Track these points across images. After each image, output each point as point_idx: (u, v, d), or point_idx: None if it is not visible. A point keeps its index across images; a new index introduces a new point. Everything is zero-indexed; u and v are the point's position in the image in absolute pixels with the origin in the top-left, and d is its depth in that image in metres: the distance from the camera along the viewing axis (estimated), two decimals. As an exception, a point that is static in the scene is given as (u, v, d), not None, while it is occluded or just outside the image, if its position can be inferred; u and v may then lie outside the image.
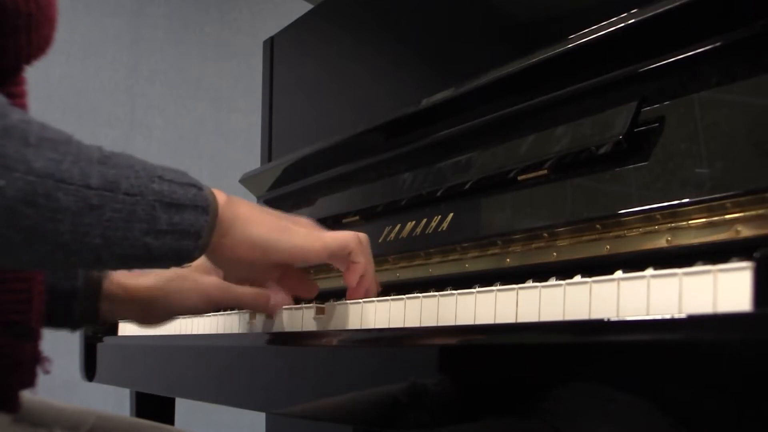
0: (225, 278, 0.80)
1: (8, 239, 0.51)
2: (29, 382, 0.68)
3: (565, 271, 0.61)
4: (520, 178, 0.79)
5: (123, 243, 0.56)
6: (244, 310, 0.84)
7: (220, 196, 0.63)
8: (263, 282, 0.78)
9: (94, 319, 0.83)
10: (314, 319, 0.72)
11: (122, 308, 0.84)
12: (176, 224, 0.58)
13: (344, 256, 0.69)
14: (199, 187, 0.61)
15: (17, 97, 0.61)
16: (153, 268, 0.62)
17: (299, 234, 0.67)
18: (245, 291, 0.77)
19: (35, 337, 0.68)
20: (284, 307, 0.76)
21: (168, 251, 0.58)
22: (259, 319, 0.81)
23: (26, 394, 0.69)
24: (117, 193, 0.55)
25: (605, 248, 0.65)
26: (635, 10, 0.73)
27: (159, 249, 0.58)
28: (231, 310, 0.88)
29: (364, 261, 0.69)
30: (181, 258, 0.60)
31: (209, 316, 0.92)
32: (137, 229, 0.56)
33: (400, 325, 0.64)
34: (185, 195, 0.59)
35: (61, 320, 0.81)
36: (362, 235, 0.70)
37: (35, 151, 0.51)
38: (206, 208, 0.60)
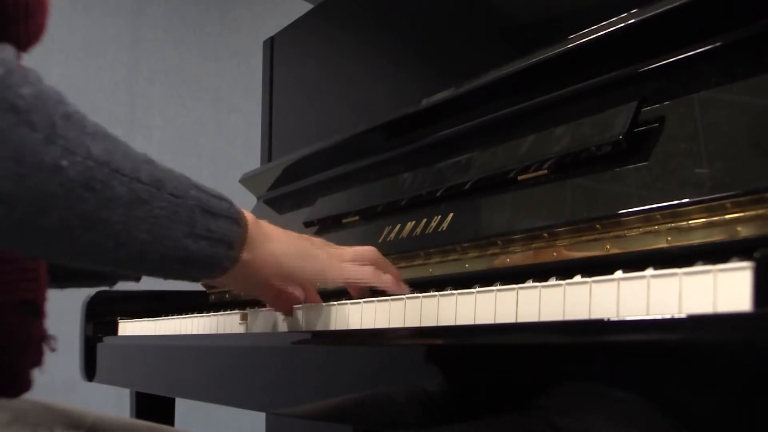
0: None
1: (66, 223, 0.52)
2: (38, 360, 0.70)
3: (565, 271, 0.61)
4: (520, 178, 0.79)
5: (166, 241, 0.57)
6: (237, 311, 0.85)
7: (248, 215, 0.65)
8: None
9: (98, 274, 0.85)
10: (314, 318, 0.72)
11: None
12: (212, 231, 0.59)
13: (359, 286, 0.72)
14: (230, 202, 0.63)
15: None
16: (185, 279, 0.62)
17: (322, 260, 0.69)
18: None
19: (42, 315, 0.70)
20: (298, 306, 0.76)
21: (203, 257, 0.59)
22: (251, 319, 0.83)
23: (26, 395, 0.70)
24: (163, 191, 0.57)
25: (605, 248, 0.65)
26: (635, 10, 0.73)
27: (196, 253, 0.59)
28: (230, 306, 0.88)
29: (387, 287, 0.71)
30: (213, 266, 0.61)
31: (209, 315, 0.92)
32: (179, 230, 0.57)
33: (400, 325, 0.64)
34: (220, 205, 0.61)
35: (96, 277, 0.82)
36: (378, 261, 0.73)
37: (93, 139, 0.53)
38: (239, 220, 0.62)
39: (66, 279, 0.93)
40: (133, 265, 0.58)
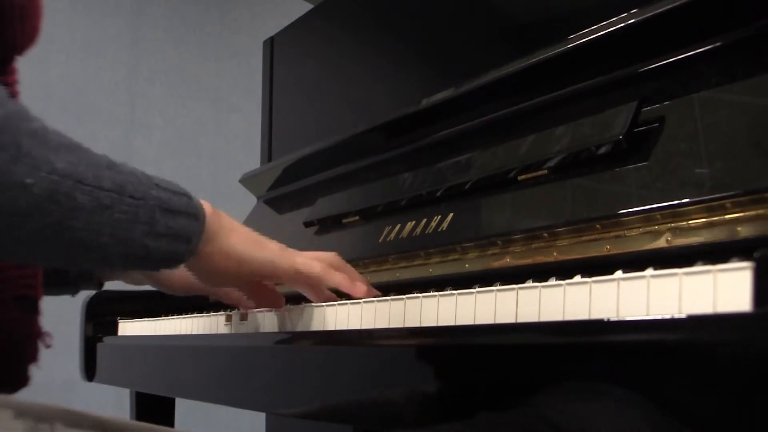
0: (199, 287, 0.86)
1: (35, 233, 0.55)
2: (34, 356, 0.72)
3: (565, 271, 0.61)
4: (520, 178, 0.79)
5: (127, 242, 0.60)
6: (233, 311, 0.87)
7: (207, 208, 0.68)
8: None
9: (89, 280, 0.87)
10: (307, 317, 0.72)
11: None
12: (171, 228, 0.63)
13: (310, 283, 0.74)
14: (189, 197, 0.66)
15: (9, 86, 0.65)
16: (147, 270, 0.67)
17: (273, 250, 0.72)
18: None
19: (38, 311, 0.72)
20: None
21: (163, 253, 0.63)
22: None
23: (26, 396, 0.70)
24: (124, 195, 0.60)
25: (605, 248, 0.65)
26: (635, 10, 0.73)
27: (156, 250, 0.62)
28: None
29: (337, 283, 0.73)
30: (172, 260, 0.65)
31: (209, 315, 0.92)
32: (139, 231, 0.60)
33: (400, 325, 0.64)
34: (179, 202, 0.64)
35: (59, 285, 0.84)
36: (335, 262, 0.75)
37: (56, 153, 0.56)
38: (197, 215, 0.66)
39: None
40: (97, 265, 0.62)
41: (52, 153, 0.55)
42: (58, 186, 0.55)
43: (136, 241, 0.60)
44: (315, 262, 0.73)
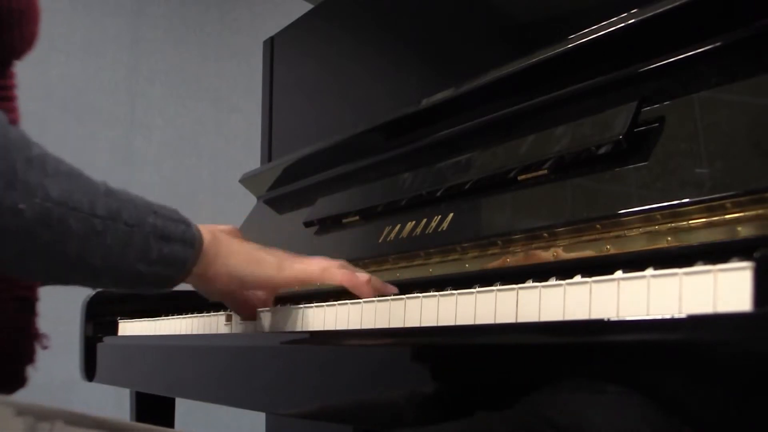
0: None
1: (24, 254, 0.58)
2: (31, 357, 0.73)
3: (565, 271, 0.61)
4: (520, 178, 0.79)
5: (119, 267, 0.63)
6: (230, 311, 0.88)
7: (206, 234, 0.70)
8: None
9: None
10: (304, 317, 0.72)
11: None
12: (165, 255, 0.65)
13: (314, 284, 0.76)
14: (187, 224, 0.68)
15: (8, 90, 0.66)
16: (139, 291, 0.69)
17: (271, 265, 0.74)
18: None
19: (35, 313, 0.73)
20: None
21: (155, 278, 0.65)
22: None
23: (26, 397, 0.70)
24: (118, 222, 0.62)
25: (605, 248, 0.65)
26: (635, 10, 0.73)
27: (148, 275, 0.65)
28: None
29: (340, 280, 0.74)
30: (164, 283, 0.67)
31: (209, 315, 0.92)
32: (132, 256, 0.63)
33: (400, 325, 0.64)
34: (176, 230, 0.66)
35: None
36: (332, 263, 0.76)
37: (52, 180, 0.58)
38: (192, 243, 0.68)
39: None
40: (88, 284, 0.65)
41: (49, 180, 0.58)
42: (51, 212, 0.57)
43: (129, 266, 0.63)
44: (312, 265, 0.75)
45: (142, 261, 0.64)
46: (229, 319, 0.87)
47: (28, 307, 0.71)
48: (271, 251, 0.76)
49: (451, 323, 0.59)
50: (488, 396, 0.52)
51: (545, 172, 0.76)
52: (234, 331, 0.86)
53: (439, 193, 0.89)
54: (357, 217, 1.02)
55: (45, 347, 0.74)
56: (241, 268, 0.72)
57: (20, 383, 0.72)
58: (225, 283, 0.72)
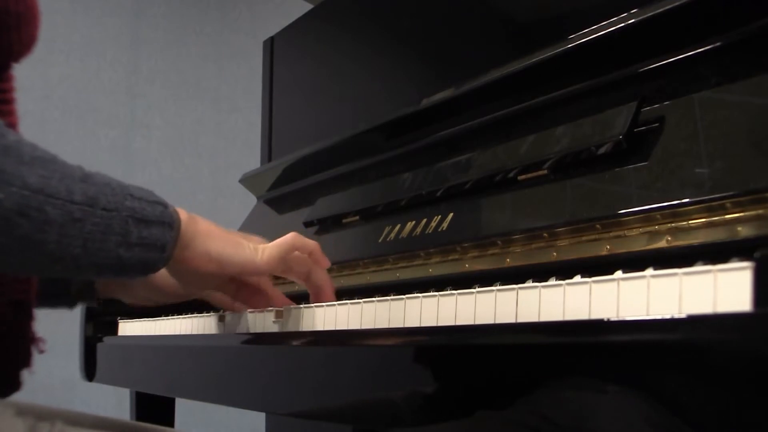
0: (186, 290, 0.86)
1: (3, 246, 0.56)
2: (27, 361, 0.72)
3: (565, 271, 0.61)
4: (520, 178, 0.79)
5: (99, 253, 0.61)
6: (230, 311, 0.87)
7: (182, 214, 0.69)
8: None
9: (90, 296, 0.88)
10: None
11: (114, 285, 0.91)
12: (145, 238, 0.64)
13: (290, 266, 0.76)
14: (164, 205, 0.67)
15: (6, 93, 0.66)
16: (123, 278, 0.68)
17: (249, 249, 0.73)
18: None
19: (32, 316, 0.72)
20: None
21: (137, 262, 0.64)
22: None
23: (26, 396, 0.70)
24: (96, 208, 0.60)
25: (605, 248, 0.65)
26: (635, 10, 0.73)
27: (129, 260, 0.63)
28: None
29: (302, 244, 0.76)
30: (147, 268, 0.66)
31: (209, 315, 0.92)
32: (112, 242, 0.62)
33: (400, 325, 0.64)
34: (153, 212, 0.65)
35: (58, 298, 0.85)
36: (307, 243, 0.77)
37: (29, 168, 0.56)
38: (171, 224, 0.66)
39: None
40: (70, 274, 0.64)
41: (25, 168, 0.56)
42: (29, 201, 0.56)
43: (110, 252, 0.62)
44: (281, 241, 0.75)
45: (123, 246, 0.62)
46: (222, 318, 0.87)
47: (24, 311, 0.71)
48: (246, 236, 0.76)
49: (451, 323, 0.59)
50: (488, 396, 0.52)
51: (545, 172, 0.76)
52: (227, 330, 0.86)
53: (439, 193, 0.89)
54: (357, 217, 1.02)
55: (42, 351, 0.73)
56: (220, 250, 0.71)
57: (15, 387, 0.71)
58: (203, 264, 0.70)
